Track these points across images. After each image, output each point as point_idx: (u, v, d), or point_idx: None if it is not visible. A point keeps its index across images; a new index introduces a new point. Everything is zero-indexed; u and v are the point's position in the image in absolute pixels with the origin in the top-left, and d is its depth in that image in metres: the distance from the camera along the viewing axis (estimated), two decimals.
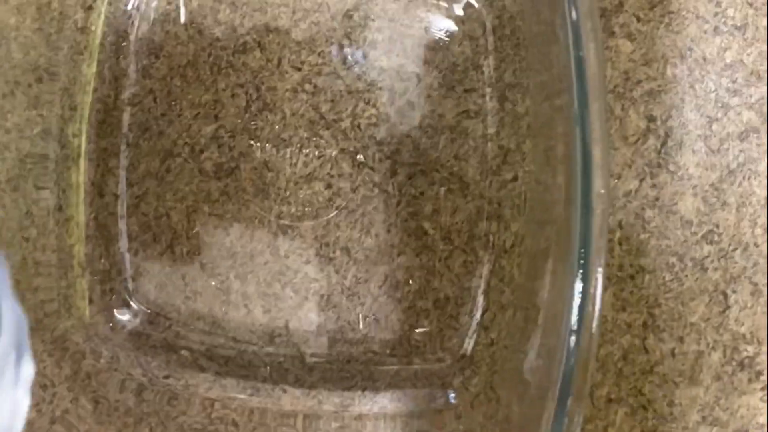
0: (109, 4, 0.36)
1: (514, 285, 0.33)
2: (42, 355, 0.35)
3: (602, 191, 0.25)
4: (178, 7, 0.36)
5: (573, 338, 0.25)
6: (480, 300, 0.34)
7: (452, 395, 0.35)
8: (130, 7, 0.36)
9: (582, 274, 0.25)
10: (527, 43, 0.33)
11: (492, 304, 0.33)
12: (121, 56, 0.36)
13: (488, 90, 0.34)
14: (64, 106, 0.36)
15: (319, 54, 0.35)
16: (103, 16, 0.36)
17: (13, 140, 0.35)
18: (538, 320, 0.32)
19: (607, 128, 0.25)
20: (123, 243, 0.36)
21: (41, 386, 0.35)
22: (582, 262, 0.25)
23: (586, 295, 0.25)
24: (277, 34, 0.35)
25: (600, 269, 0.25)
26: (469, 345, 0.34)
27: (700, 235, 0.34)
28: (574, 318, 0.25)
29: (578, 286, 0.25)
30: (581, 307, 0.25)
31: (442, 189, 0.34)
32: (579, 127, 0.25)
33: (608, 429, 0.34)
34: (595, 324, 0.25)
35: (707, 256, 0.34)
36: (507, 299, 0.33)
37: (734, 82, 0.34)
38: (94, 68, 0.36)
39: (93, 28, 0.36)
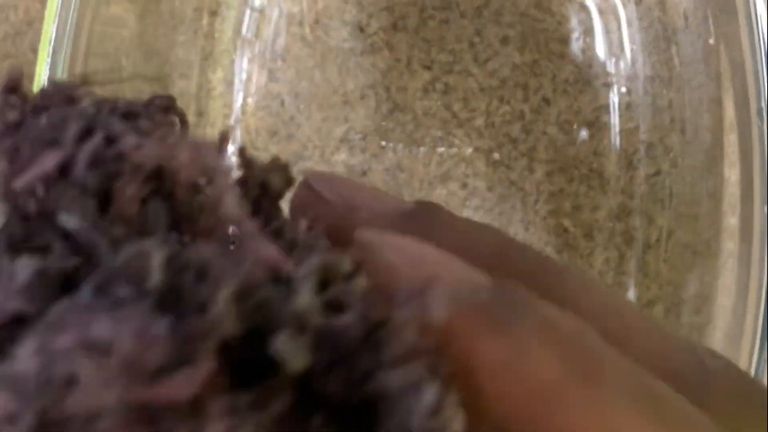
0: (234, 8, 0.36)
1: (661, 280, 0.33)
2: None
3: None
4: (303, 10, 0.35)
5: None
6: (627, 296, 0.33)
7: None
8: (254, 10, 0.36)
9: None
10: (669, 33, 0.32)
11: (638, 300, 0.33)
12: (247, 60, 0.36)
13: (627, 83, 0.34)
14: (191, 111, 0.36)
15: (449, 52, 0.35)
16: (228, 21, 0.36)
17: None
18: (686, 316, 0.31)
19: None
20: None
21: None
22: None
23: None
24: (406, 33, 0.35)
25: None
26: None
27: None
28: (762, 320, 0.25)
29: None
30: None
31: (582, 186, 0.34)
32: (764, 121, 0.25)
33: None
34: None
35: None
36: (654, 294, 0.33)
37: None
38: (219, 74, 0.36)
39: (217, 35, 0.36)
